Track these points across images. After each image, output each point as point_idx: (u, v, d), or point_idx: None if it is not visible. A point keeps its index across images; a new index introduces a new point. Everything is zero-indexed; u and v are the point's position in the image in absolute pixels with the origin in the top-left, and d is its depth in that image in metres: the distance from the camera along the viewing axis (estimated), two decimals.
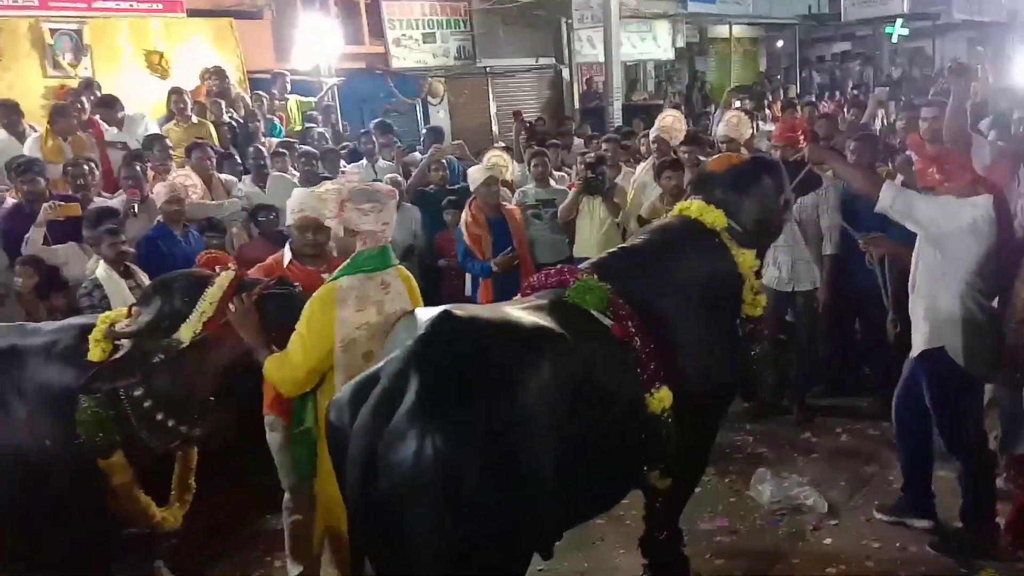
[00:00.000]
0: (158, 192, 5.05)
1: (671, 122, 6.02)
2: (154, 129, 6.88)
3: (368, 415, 2.14)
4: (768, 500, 4.06)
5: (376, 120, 8.41)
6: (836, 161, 3.77)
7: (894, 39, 18.13)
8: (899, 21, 17.49)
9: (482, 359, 2.27)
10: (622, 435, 2.59)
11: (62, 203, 4.82)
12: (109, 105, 6.78)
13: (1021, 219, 3.62)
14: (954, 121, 4.37)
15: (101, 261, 4.36)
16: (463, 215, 5.43)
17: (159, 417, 2.83)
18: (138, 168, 5.60)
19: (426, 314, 2.45)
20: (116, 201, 5.43)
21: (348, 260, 2.83)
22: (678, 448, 2.70)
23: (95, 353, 2.80)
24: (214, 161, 6.18)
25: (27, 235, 4.68)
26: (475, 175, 5.41)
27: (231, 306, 2.78)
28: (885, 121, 8.23)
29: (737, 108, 11.06)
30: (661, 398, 2.64)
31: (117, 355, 2.76)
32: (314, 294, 2.81)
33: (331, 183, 3.67)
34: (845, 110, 10.09)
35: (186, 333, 2.75)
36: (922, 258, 3.43)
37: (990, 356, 3.30)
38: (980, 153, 4.18)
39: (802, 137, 4.13)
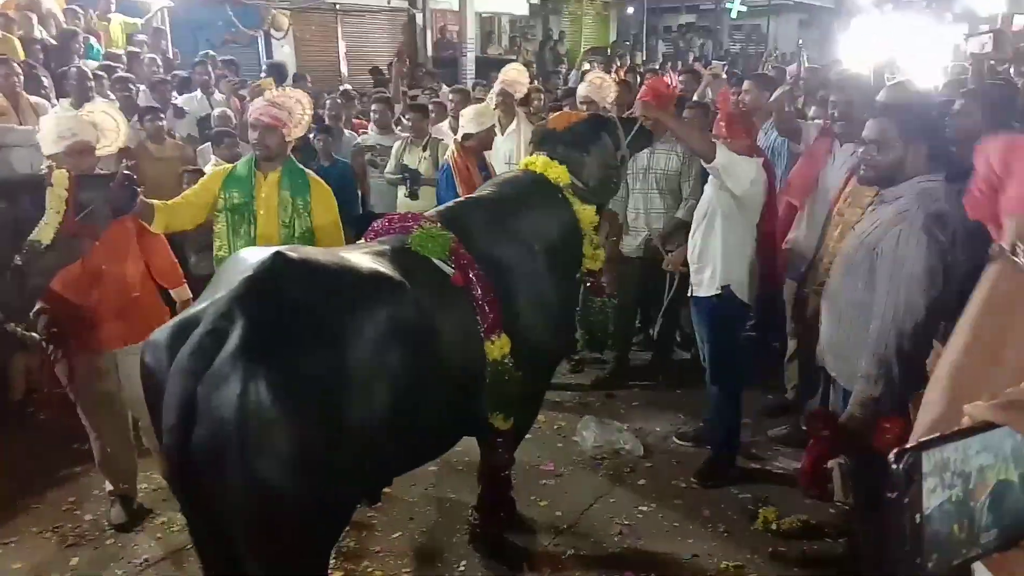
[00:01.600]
0: None
1: (515, 75, 5.98)
2: None
3: (187, 357, 2.01)
4: (591, 445, 4.28)
5: (206, 51, 7.85)
6: (670, 119, 3.92)
7: (733, 15, 19.17)
8: None
9: (313, 303, 2.20)
10: (461, 381, 2.61)
11: None
12: None
13: (829, 188, 3.95)
14: (781, 113, 4.77)
15: None
16: (450, 156, 4.92)
17: (7, 328, 2.84)
18: None
19: (256, 254, 2.33)
20: None
21: None
22: (518, 392, 2.77)
23: None
24: (21, 79, 5.54)
25: None
26: (476, 117, 4.86)
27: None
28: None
29: (586, 70, 11.35)
30: (500, 345, 2.69)
31: None
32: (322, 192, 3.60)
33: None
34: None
35: (47, 234, 2.76)
36: (720, 208, 3.71)
37: (758, 292, 3.82)
38: (806, 135, 4.55)
39: (674, 94, 4.27)
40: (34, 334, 3.07)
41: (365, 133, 6.56)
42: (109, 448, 3.64)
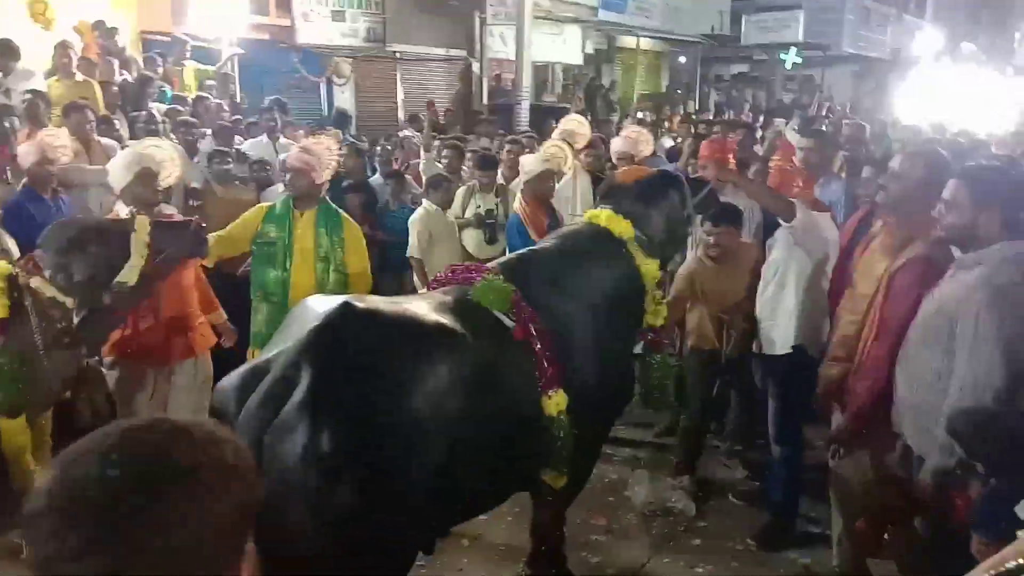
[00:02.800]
0: (24, 152, 4.65)
1: (574, 126, 5.99)
2: (41, 85, 6.38)
3: (256, 406, 2.05)
4: (642, 501, 4.20)
5: (272, 97, 8.12)
6: (746, 182, 3.91)
7: (788, 65, 19.14)
8: (793, 49, 18.47)
9: (378, 354, 2.22)
10: (517, 435, 2.59)
11: None
12: (10, 54, 6.25)
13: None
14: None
15: None
16: (518, 205, 5.09)
17: (87, 363, 3.04)
18: (6, 125, 5.17)
19: (324, 303, 2.37)
20: None
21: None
22: (574, 449, 2.74)
23: None
24: (94, 125, 5.80)
25: None
26: (530, 166, 5.02)
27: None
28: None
29: (639, 119, 11.43)
30: (557, 401, 2.67)
31: (79, 310, 2.84)
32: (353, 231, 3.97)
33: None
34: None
35: (132, 276, 2.94)
36: (793, 265, 3.67)
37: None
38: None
39: (731, 158, 4.24)
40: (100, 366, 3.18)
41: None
42: None
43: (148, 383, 3.78)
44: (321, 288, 3.80)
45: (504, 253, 5.78)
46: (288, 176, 3.94)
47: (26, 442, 2.95)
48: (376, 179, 6.70)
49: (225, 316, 4.16)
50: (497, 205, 5.76)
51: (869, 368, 2.88)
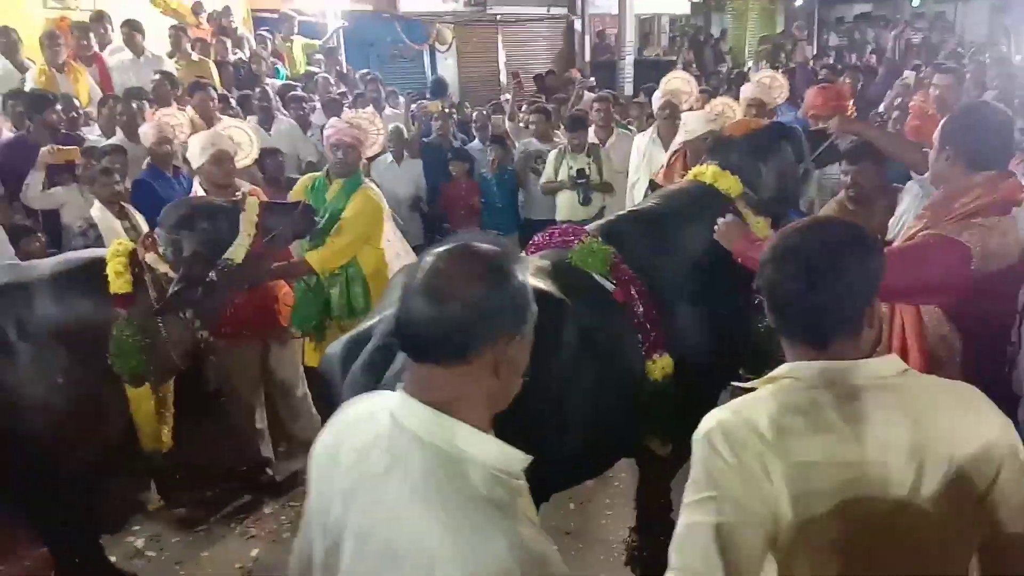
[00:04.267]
0: (145, 133, 4.91)
1: (678, 84, 5.67)
2: (170, 67, 6.75)
3: (359, 373, 2.10)
4: None
5: (363, 71, 8.27)
6: (873, 132, 3.61)
7: (915, 2, 17.71)
8: None
9: None
10: (621, 401, 2.54)
11: (61, 147, 4.71)
12: (135, 29, 6.70)
13: None
14: None
15: (96, 201, 4.31)
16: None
17: (201, 335, 3.10)
18: (134, 106, 5.48)
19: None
20: (111, 140, 5.34)
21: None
22: (679, 415, 2.66)
23: (119, 285, 2.90)
24: (216, 103, 6.06)
25: (27, 180, 4.58)
26: (693, 124, 4.67)
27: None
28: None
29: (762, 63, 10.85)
30: (663, 365, 2.60)
31: (178, 281, 2.90)
32: (361, 199, 3.90)
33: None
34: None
35: (239, 253, 3.04)
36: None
37: None
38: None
39: (849, 105, 3.96)
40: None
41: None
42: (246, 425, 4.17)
43: (250, 357, 4.04)
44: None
45: (599, 212, 5.74)
46: (338, 151, 3.94)
47: (151, 408, 3.10)
48: (475, 145, 6.72)
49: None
50: (589, 165, 5.67)
51: None
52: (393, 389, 2.01)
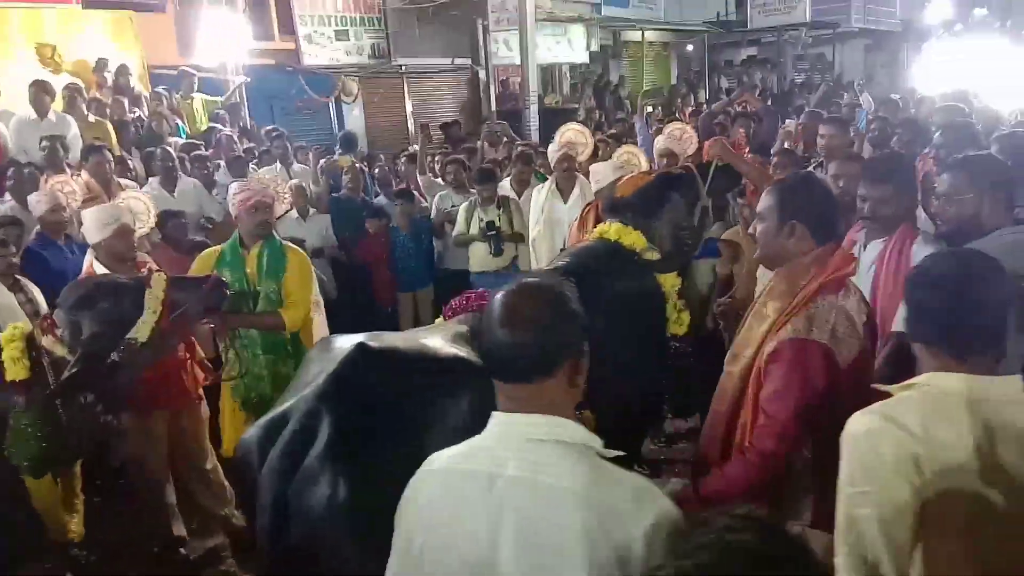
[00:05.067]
0: (36, 201, 4.74)
1: (572, 136, 5.69)
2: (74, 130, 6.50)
3: (277, 458, 2.05)
4: None
5: (269, 127, 8.21)
6: (737, 160, 3.84)
7: (798, 48, 18.91)
8: (803, 29, 18.28)
9: (396, 397, 2.20)
10: None
11: None
12: (46, 91, 6.47)
13: None
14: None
15: None
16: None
17: (105, 419, 2.92)
18: (25, 173, 5.25)
19: (339, 344, 2.36)
20: (1, 208, 5.10)
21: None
22: None
23: (16, 371, 2.76)
24: (113, 165, 5.87)
25: None
26: (602, 174, 4.76)
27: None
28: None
29: (648, 113, 11.31)
30: (583, 422, 2.62)
31: (72, 365, 2.76)
32: (298, 260, 3.84)
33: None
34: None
35: (144, 331, 2.92)
36: None
37: None
38: None
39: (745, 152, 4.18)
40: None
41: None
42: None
43: (157, 430, 3.86)
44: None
45: (511, 264, 5.82)
46: (256, 214, 3.77)
47: (55, 498, 2.96)
48: (380, 200, 6.73)
49: (202, 353, 4.13)
50: (500, 216, 5.76)
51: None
52: (313, 475, 2.01)
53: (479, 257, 5.85)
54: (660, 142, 5.47)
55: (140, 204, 4.32)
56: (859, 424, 1.63)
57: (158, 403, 3.74)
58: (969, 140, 3.73)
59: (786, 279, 2.23)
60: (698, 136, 6.53)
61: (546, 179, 6.33)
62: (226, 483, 4.15)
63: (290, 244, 4.06)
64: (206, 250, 4.06)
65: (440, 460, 1.58)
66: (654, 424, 3.31)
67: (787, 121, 8.33)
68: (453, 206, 6.26)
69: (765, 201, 2.27)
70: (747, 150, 4.45)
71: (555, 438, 1.46)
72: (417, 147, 8.59)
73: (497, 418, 1.52)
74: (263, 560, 2.10)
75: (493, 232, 5.66)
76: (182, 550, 4.02)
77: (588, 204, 4.89)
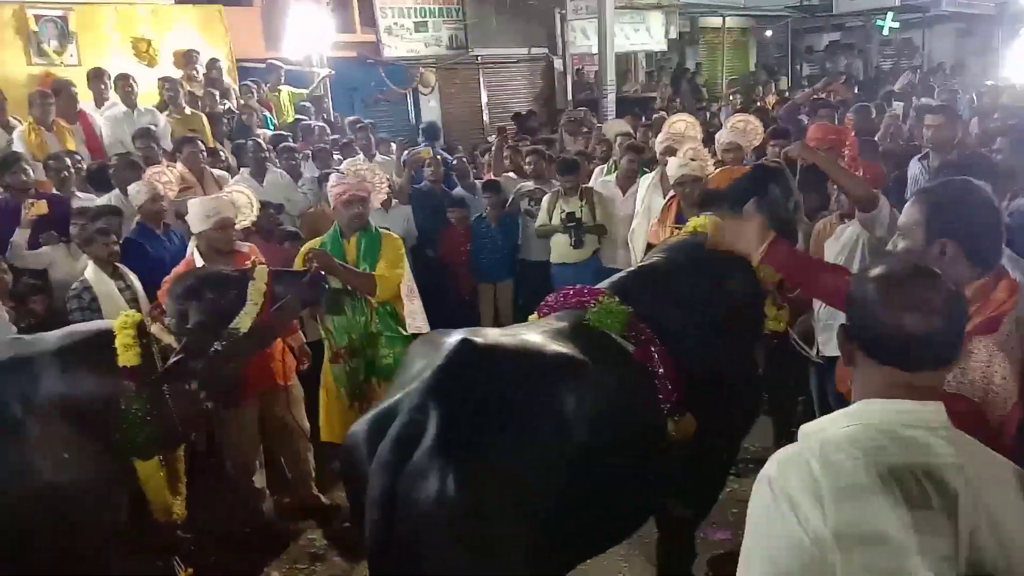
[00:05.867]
0: (135, 191, 4.89)
1: (683, 128, 5.47)
2: (162, 122, 6.73)
3: (387, 453, 2.06)
4: None
5: (351, 118, 8.31)
6: (826, 162, 3.68)
7: (885, 31, 18.15)
8: (890, 14, 17.50)
9: (503, 391, 2.19)
10: (644, 464, 2.52)
11: (33, 200, 4.69)
12: (129, 81, 6.71)
13: None
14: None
15: (91, 262, 4.25)
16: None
17: (207, 406, 3.03)
18: (130, 163, 5.43)
19: (443, 339, 2.36)
20: (105, 198, 5.30)
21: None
22: (700, 474, 2.64)
23: (128, 357, 2.85)
24: (206, 155, 6.05)
25: (11, 238, 4.53)
26: (673, 171, 4.57)
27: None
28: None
29: (731, 101, 11.03)
30: (684, 425, 2.57)
31: (178, 352, 2.86)
32: (392, 242, 4.02)
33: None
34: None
35: (246, 322, 3.00)
36: (857, 260, 3.50)
37: None
38: None
39: (847, 141, 3.99)
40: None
41: None
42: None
43: (247, 414, 4.00)
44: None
45: (593, 256, 5.76)
46: (353, 206, 3.92)
47: (161, 481, 3.06)
48: (459, 191, 6.73)
49: (303, 338, 4.35)
50: (581, 208, 5.69)
51: None
52: (422, 470, 2.01)
53: (560, 249, 5.81)
54: (724, 135, 5.30)
55: (243, 197, 4.43)
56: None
57: (248, 388, 3.85)
58: None
59: None
60: (782, 126, 6.30)
61: (645, 171, 6.13)
62: (312, 465, 4.31)
63: (387, 231, 4.17)
64: (308, 242, 4.15)
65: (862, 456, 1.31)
66: (751, 424, 3.20)
67: (894, 103, 7.96)
68: (532, 197, 6.23)
69: (910, 213, 1.96)
70: (852, 134, 4.14)
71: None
72: (494, 137, 8.60)
73: (935, 408, 1.36)
74: (370, 554, 2.11)
75: (573, 223, 5.61)
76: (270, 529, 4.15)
77: (671, 198, 4.77)
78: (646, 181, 5.48)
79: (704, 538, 3.79)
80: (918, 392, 1.36)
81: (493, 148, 7.11)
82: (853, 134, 4.13)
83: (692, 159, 4.48)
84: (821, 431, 1.39)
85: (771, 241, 2.51)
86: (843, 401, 1.58)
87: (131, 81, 6.75)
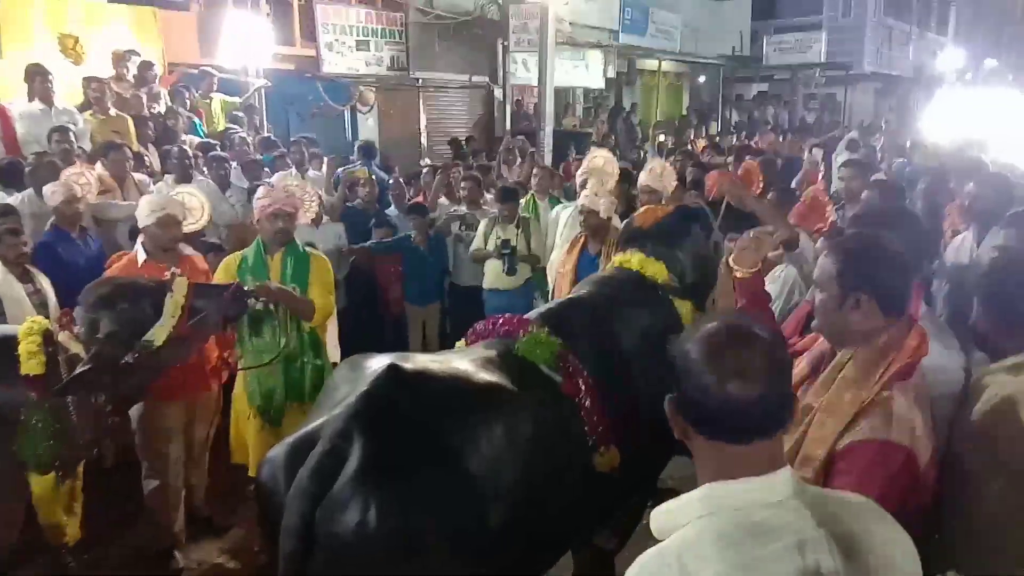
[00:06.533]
0: (51, 192, 4.67)
1: (601, 164, 5.65)
2: (79, 122, 6.44)
3: (306, 480, 1.98)
4: None
5: (300, 135, 8.17)
6: (753, 200, 3.76)
7: (810, 87, 19.02)
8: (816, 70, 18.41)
9: (431, 420, 2.15)
10: (570, 495, 2.49)
11: None
12: (45, 77, 6.35)
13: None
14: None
15: None
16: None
17: (111, 420, 2.93)
18: (45, 162, 5.19)
19: (369, 363, 2.31)
20: (16, 198, 5.04)
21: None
22: (623, 506, 2.65)
23: (31, 366, 2.74)
24: (131, 163, 5.83)
25: None
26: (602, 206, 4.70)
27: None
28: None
29: (660, 142, 11.34)
30: (610, 458, 2.58)
31: (85, 362, 2.73)
32: (322, 267, 3.90)
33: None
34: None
35: (160, 335, 2.90)
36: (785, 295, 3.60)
37: None
38: None
39: (759, 184, 4.13)
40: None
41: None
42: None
43: (173, 420, 3.85)
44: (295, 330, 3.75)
45: (525, 284, 5.79)
46: (278, 221, 3.80)
47: (55, 497, 2.91)
48: (391, 211, 6.68)
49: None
50: (517, 236, 5.73)
51: None
52: (343, 500, 1.94)
53: (493, 274, 5.81)
54: (642, 178, 5.48)
55: (195, 201, 4.32)
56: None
57: (174, 394, 3.71)
58: (1007, 193, 3.66)
59: (860, 367, 1.85)
60: (699, 176, 6.50)
61: (559, 202, 6.34)
62: (206, 479, 4.25)
63: (313, 250, 4.05)
64: (228, 256, 4.03)
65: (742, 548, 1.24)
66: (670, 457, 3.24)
67: (813, 150, 8.29)
68: (462, 222, 6.24)
69: (823, 266, 1.93)
70: (761, 181, 4.35)
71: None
72: (427, 161, 8.57)
73: (785, 476, 1.28)
74: None
75: (508, 251, 5.63)
76: (177, 554, 3.95)
77: (578, 234, 4.81)
78: (565, 213, 5.56)
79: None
80: (757, 464, 1.27)
81: (437, 177, 7.08)
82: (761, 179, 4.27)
83: (595, 193, 4.64)
84: (675, 525, 1.29)
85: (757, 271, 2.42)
86: None
87: (49, 78, 6.44)
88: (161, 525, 3.94)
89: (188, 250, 4.10)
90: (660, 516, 1.34)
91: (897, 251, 1.90)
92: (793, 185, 6.72)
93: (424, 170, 7.61)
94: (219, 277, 3.80)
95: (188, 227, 4.15)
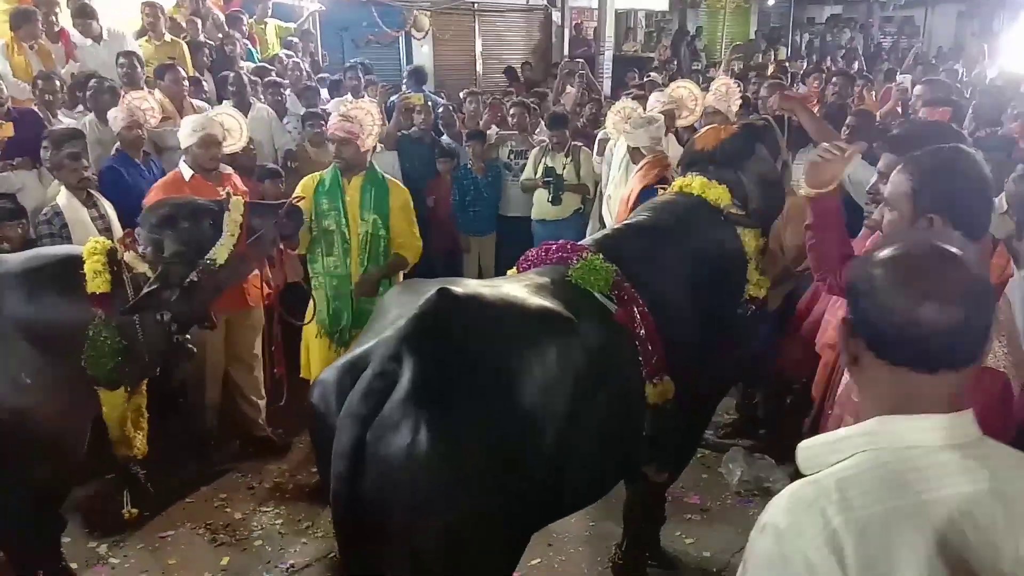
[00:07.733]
0: (114, 117, 4.71)
1: (684, 94, 5.43)
2: (134, 47, 6.45)
3: (357, 402, 1.98)
4: (738, 480, 4.05)
5: (355, 60, 8.04)
6: (805, 115, 3.66)
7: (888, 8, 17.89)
8: None
9: (482, 342, 2.12)
10: (620, 426, 2.45)
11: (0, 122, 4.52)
12: (86, 15, 6.30)
13: None
14: None
15: (63, 188, 4.11)
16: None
17: (177, 339, 2.98)
18: (106, 86, 5.21)
19: (421, 287, 2.27)
20: (81, 122, 5.10)
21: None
22: (677, 441, 2.60)
23: (97, 284, 2.78)
24: (187, 85, 5.84)
25: None
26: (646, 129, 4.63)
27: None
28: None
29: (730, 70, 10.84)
30: (663, 390, 2.52)
31: (151, 282, 2.80)
32: (403, 198, 4.03)
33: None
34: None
35: (222, 254, 2.94)
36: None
37: None
38: None
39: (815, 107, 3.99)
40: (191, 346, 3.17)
41: None
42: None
43: (208, 334, 3.89)
44: (373, 259, 3.91)
45: (573, 215, 5.67)
46: (334, 147, 3.93)
47: (125, 413, 3.00)
48: (445, 139, 6.57)
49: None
50: (565, 165, 5.60)
51: None
52: (394, 422, 1.94)
53: (540, 205, 5.72)
54: (707, 99, 5.34)
55: (234, 122, 4.44)
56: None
57: (218, 309, 3.79)
58: None
59: None
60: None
61: None
62: (262, 399, 4.44)
63: (392, 179, 4.12)
64: (308, 175, 4.13)
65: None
66: (726, 392, 3.17)
67: (899, 76, 7.87)
68: (512, 153, 6.12)
69: (897, 183, 1.83)
70: (816, 103, 4.16)
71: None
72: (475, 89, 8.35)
73: (947, 420, 1.16)
74: (334, 505, 2.05)
75: (552, 179, 5.51)
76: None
77: (647, 159, 4.64)
78: (622, 146, 5.38)
79: (676, 500, 3.80)
80: (940, 399, 1.15)
81: (489, 105, 6.94)
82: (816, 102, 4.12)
83: (653, 136, 4.51)
84: (831, 462, 1.17)
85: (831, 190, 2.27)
86: None
87: (89, 13, 6.31)
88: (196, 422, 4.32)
89: (227, 169, 4.24)
90: (814, 446, 1.23)
91: (978, 169, 1.79)
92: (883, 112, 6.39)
93: (466, 99, 7.36)
94: (301, 191, 3.91)
95: (227, 148, 4.27)
